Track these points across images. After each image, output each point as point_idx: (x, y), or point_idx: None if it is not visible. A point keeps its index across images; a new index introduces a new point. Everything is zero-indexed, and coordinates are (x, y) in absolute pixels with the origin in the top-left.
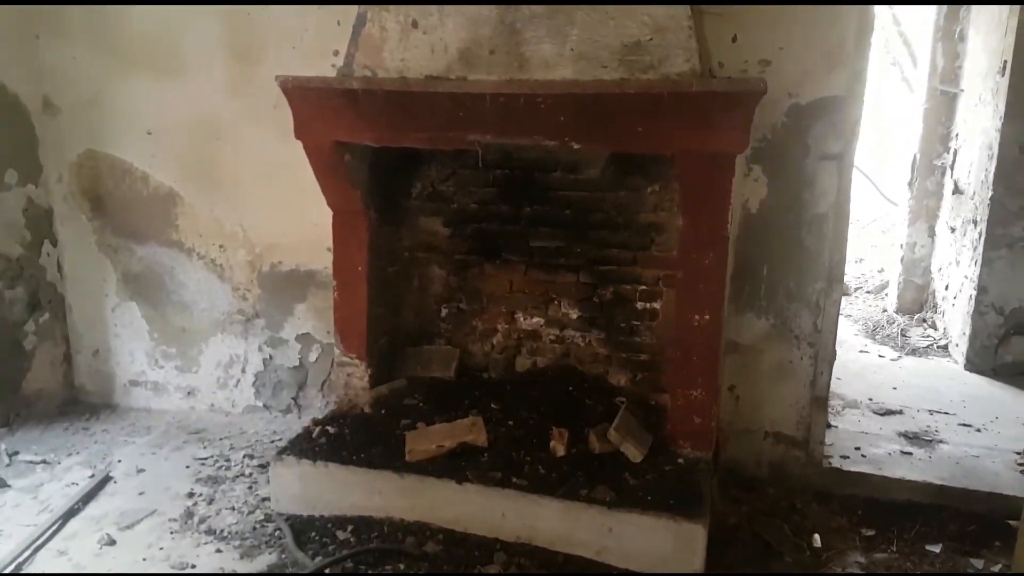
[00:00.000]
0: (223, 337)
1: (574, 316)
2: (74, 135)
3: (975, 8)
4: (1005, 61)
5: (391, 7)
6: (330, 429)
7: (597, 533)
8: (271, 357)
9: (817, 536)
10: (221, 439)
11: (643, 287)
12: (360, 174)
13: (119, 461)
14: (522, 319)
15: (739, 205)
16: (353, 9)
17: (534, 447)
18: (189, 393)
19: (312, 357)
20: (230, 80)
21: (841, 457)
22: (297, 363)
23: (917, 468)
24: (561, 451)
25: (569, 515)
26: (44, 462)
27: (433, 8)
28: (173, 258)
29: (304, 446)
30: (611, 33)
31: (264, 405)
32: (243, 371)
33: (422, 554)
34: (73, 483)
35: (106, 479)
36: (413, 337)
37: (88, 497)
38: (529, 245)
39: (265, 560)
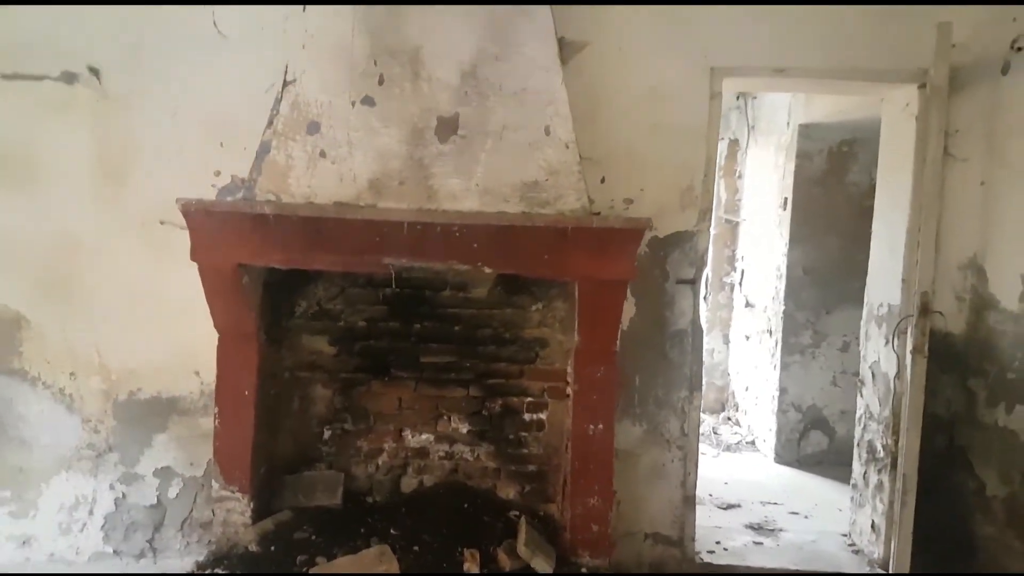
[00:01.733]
0: (68, 475)
1: (464, 430)
2: None
3: (750, 153)
4: (786, 198)
5: (297, 138)
6: (220, 572)
7: None
8: (124, 496)
9: None
10: None
11: (530, 399)
12: (255, 296)
13: None
14: (410, 436)
15: None
16: (234, 131)
17: (446, 571)
18: (24, 543)
19: (172, 493)
20: (94, 198)
21: (708, 552)
22: (154, 501)
23: (771, 556)
24: (475, 571)
25: None
26: None
27: (342, 141)
28: (13, 389)
29: None
30: (512, 173)
31: (114, 551)
32: (90, 513)
33: None
34: None
35: None
36: (291, 462)
37: None
38: (419, 361)
39: None
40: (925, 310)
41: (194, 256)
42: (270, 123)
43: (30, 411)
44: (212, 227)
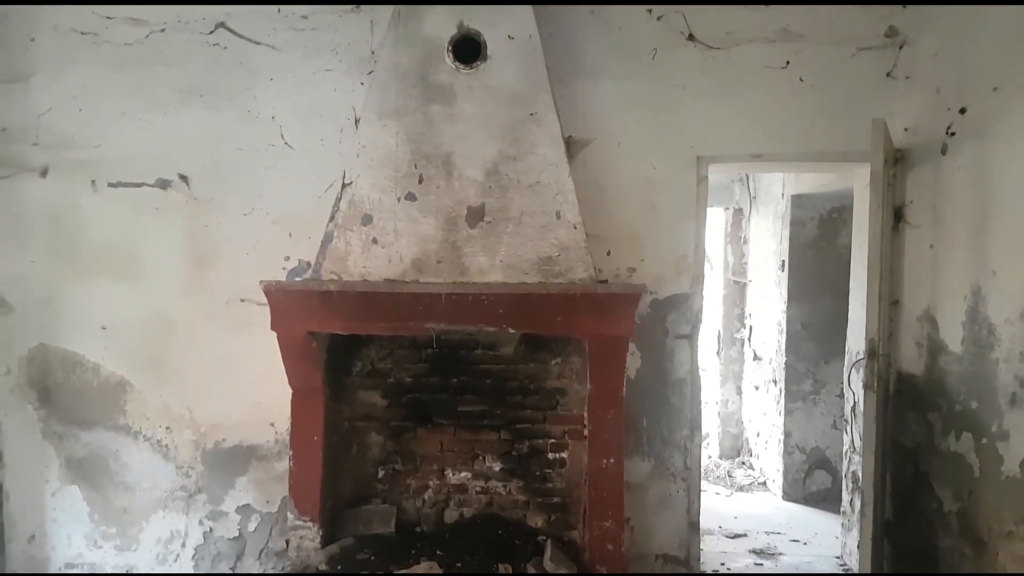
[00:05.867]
0: (164, 514)
1: (497, 468)
2: (27, 331)
3: (753, 220)
4: (783, 260)
5: (354, 228)
6: None
7: None
8: (211, 530)
9: None
10: None
11: (552, 440)
12: (320, 357)
13: None
14: (451, 474)
15: None
16: (299, 224)
17: None
18: (127, 572)
19: (251, 527)
20: (185, 282)
21: (712, 571)
22: (236, 534)
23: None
24: None
25: None
26: None
27: (390, 230)
28: (119, 441)
29: None
30: (530, 250)
31: None
32: (183, 545)
33: None
34: None
35: None
36: (351, 499)
37: None
38: (457, 410)
39: None
40: (872, 353)
41: (274, 327)
42: (332, 217)
43: (133, 460)
44: (287, 303)
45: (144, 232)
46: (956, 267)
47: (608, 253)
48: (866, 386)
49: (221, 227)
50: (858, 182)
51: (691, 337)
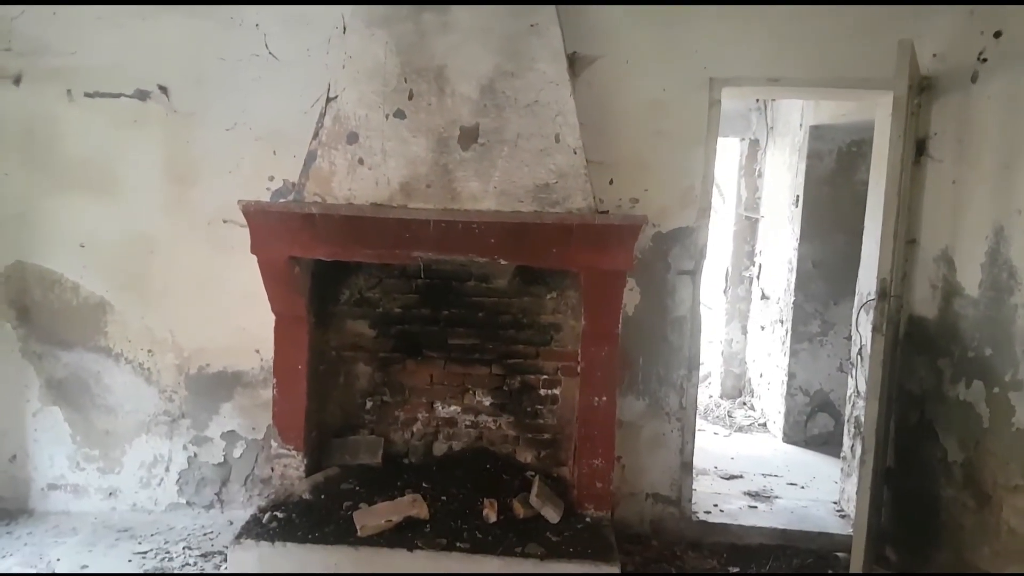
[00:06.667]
0: (147, 438)
1: (487, 403)
2: (3, 247)
3: (769, 152)
4: (798, 195)
5: (339, 147)
6: (279, 514)
7: None
8: (195, 455)
9: None
10: (152, 535)
11: (545, 376)
12: (304, 284)
13: (58, 560)
14: (441, 408)
15: None
16: (284, 141)
17: (468, 516)
18: (111, 494)
19: (236, 453)
20: (165, 200)
21: (704, 512)
22: (221, 460)
23: (763, 518)
24: (493, 518)
25: (508, 570)
26: None
27: (377, 150)
28: (100, 363)
29: (259, 530)
30: (526, 176)
31: (187, 502)
32: (167, 470)
33: None
34: None
35: None
36: (338, 429)
37: None
38: (448, 343)
39: None
40: (884, 294)
41: (254, 250)
42: (315, 135)
43: (114, 382)
44: (268, 225)
45: (122, 146)
46: (979, 205)
47: (610, 182)
48: (875, 328)
49: (202, 142)
50: (880, 112)
51: (694, 273)
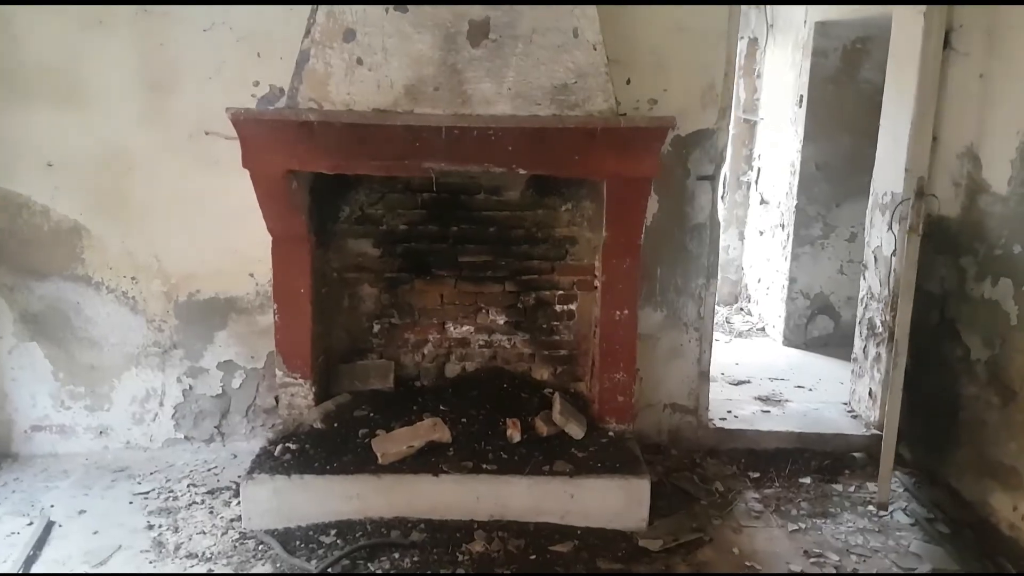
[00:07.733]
0: (137, 371)
1: (501, 321)
2: None
3: (769, 51)
4: (801, 95)
5: (335, 45)
6: (291, 446)
7: (561, 500)
8: (191, 387)
9: (718, 483)
10: (152, 473)
11: (561, 292)
12: (303, 200)
13: (52, 506)
14: (452, 328)
15: None
16: (269, 42)
17: (491, 437)
18: (101, 433)
19: (235, 384)
20: (140, 110)
21: (720, 419)
22: (219, 391)
23: (777, 422)
24: (517, 437)
25: (536, 488)
26: None
27: (377, 48)
28: (79, 293)
29: (272, 463)
30: (542, 76)
31: (185, 437)
32: (161, 404)
33: (410, 543)
34: (13, 532)
35: (49, 524)
36: (345, 354)
37: (40, 543)
38: (458, 260)
39: (262, 572)
40: (920, 193)
41: (246, 163)
42: (307, 32)
43: (97, 313)
44: (261, 135)
45: (88, 50)
46: (1009, 99)
47: (628, 82)
48: (911, 228)
49: (178, 45)
50: (900, 5)
51: (713, 178)
